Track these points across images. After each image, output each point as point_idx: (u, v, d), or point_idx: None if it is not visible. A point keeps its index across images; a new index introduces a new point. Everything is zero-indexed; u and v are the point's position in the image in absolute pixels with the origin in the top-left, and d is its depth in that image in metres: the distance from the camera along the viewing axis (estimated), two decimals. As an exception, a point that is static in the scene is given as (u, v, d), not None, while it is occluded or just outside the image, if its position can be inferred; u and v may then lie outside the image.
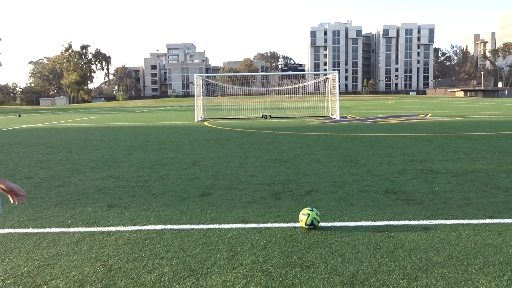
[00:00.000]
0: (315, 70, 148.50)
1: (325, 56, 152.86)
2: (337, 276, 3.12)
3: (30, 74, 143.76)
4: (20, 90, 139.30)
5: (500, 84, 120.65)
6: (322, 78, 32.70)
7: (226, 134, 14.67)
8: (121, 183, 6.61)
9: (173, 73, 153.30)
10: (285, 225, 4.35)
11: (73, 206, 5.24)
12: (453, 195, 5.42)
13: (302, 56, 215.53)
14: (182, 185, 6.35)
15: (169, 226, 4.38)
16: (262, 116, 24.67)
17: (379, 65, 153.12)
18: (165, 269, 3.30)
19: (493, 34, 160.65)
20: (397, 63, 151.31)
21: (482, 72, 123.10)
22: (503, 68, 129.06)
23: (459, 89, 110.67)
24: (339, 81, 25.83)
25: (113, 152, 10.26)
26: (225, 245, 3.81)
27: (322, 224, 4.32)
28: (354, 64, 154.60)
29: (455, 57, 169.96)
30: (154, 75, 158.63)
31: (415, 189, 5.82)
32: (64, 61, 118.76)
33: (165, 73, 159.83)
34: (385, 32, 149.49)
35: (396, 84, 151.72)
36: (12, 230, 4.34)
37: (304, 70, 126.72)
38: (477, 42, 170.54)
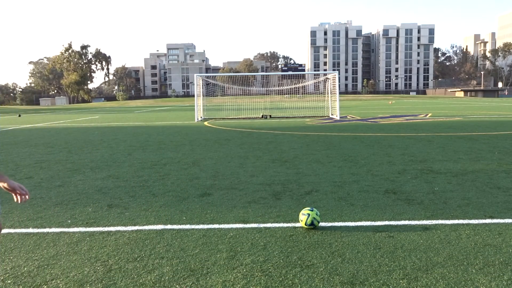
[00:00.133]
0: (315, 70, 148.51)
1: (325, 56, 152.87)
2: (337, 276, 3.12)
3: (30, 74, 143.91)
4: (20, 90, 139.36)
5: (500, 84, 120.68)
6: (322, 78, 32.70)
7: (226, 134, 14.67)
8: (121, 183, 6.61)
9: (173, 73, 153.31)
10: (285, 225, 4.35)
11: (73, 206, 5.24)
12: (453, 195, 5.42)
13: (302, 56, 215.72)
14: (182, 185, 6.35)
15: (169, 226, 4.38)
16: (262, 116, 24.67)
17: (379, 65, 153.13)
18: (165, 269, 3.30)
19: (493, 34, 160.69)
20: (397, 63, 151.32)
21: (482, 72, 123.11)
22: (503, 68, 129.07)
23: (459, 89, 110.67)
24: (339, 81, 25.83)
25: (113, 152, 10.26)
26: (225, 245, 3.81)
27: (322, 224, 4.32)
28: (354, 64, 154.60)
29: (455, 57, 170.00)
30: (154, 75, 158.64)
31: (415, 189, 5.82)
32: (64, 61, 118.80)
33: (165, 73, 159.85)
34: (385, 32, 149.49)
35: (396, 84, 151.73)
36: (12, 230, 4.34)
37: (304, 70, 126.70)
38: (477, 42, 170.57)
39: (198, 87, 25.35)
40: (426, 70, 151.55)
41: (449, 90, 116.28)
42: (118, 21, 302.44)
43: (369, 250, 3.61)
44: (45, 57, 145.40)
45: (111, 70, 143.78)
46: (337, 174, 6.95)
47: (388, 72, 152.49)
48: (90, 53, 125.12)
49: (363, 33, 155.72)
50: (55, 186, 6.48)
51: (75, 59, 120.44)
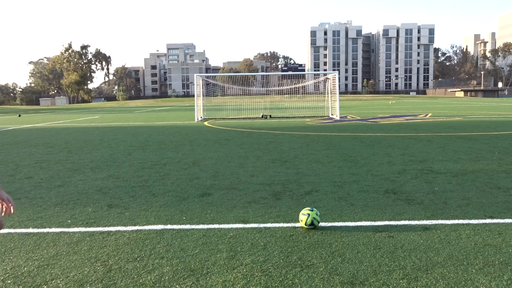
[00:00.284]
0: (315, 70, 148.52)
1: (325, 56, 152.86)
2: (337, 276, 3.12)
3: (30, 74, 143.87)
4: (20, 90, 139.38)
5: (500, 84, 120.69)
6: (322, 78, 32.70)
7: (226, 134, 14.67)
8: (121, 183, 6.61)
9: (173, 73, 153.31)
10: (285, 225, 4.35)
11: (73, 206, 5.24)
12: (453, 195, 5.42)
13: (302, 56, 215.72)
14: (182, 185, 6.35)
15: (169, 226, 4.38)
16: (262, 116, 24.67)
17: (379, 65, 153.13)
18: (165, 269, 3.30)
19: (493, 34, 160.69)
20: (397, 63, 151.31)
21: (482, 72, 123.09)
22: (503, 68, 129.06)
23: (459, 89, 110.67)
24: (339, 81, 25.83)
25: (113, 152, 10.26)
26: (225, 245, 3.81)
27: (322, 224, 4.32)
28: (354, 64, 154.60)
29: (455, 57, 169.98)
30: (154, 75, 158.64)
31: (415, 189, 5.82)
32: (64, 61, 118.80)
33: (165, 73, 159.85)
34: (385, 32, 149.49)
35: (396, 84, 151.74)
36: (12, 230, 4.34)
37: (304, 70, 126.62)
38: (477, 42, 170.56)
39: (198, 87, 25.35)
40: (426, 70, 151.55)
41: (449, 90, 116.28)
42: (118, 21, 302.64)
43: (369, 250, 3.61)
44: (45, 57, 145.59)
45: (111, 70, 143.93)
46: (337, 174, 6.95)
47: (388, 72, 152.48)
48: (90, 53, 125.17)
49: (363, 33, 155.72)
50: (55, 186, 6.48)
51: (75, 59, 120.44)
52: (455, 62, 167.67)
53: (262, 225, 4.35)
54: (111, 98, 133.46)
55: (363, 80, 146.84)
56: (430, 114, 24.84)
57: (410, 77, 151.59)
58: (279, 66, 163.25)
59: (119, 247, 3.80)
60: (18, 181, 6.92)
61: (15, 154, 10.30)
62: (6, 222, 4.60)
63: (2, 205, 2.20)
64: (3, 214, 2.18)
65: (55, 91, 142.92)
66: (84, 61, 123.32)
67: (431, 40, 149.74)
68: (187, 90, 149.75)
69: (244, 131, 15.49)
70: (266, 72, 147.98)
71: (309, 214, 4.17)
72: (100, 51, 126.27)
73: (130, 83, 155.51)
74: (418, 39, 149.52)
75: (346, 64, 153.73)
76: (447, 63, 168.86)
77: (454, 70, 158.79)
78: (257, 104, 38.01)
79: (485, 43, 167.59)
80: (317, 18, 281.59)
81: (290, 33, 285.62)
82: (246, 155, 9.32)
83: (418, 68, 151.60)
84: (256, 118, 24.06)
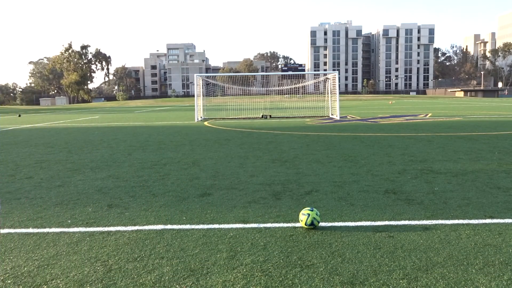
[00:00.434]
0: (315, 70, 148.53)
1: (325, 56, 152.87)
2: (337, 276, 3.12)
3: (30, 74, 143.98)
4: (20, 90, 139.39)
5: (500, 84, 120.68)
6: (322, 78, 32.70)
7: (226, 134, 14.67)
8: (121, 183, 6.61)
9: (173, 73, 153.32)
10: (285, 225, 4.35)
11: (73, 206, 5.24)
12: (453, 195, 5.42)
13: (302, 56, 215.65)
14: (182, 185, 6.35)
15: (169, 226, 4.38)
16: (262, 116, 24.67)
17: (379, 65, 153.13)
18: (165, 269, 3.30)
19: (493, 34, 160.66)
20: (397, 63, 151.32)
21: (482, 72, 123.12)
22: (503, 68, 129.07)
23: (459, 89, 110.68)
24: (339, 81, 25.83)
25: (113, 152, 10.27)
26: (225, 245, 3.81)
27: (322, 224, 4.32)
28: (354, 64, 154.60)
29: (455, 57, 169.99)
30: (154, 75, 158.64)
31: (415, 189, 5.82)
32: (64, 61, 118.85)
33: (165, 73, 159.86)
34: (385, 32, 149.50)
35: (396, 84, 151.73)
36: (12, 230, 4.34)
37: (304, 70, 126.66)
38: (477, 42, 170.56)
39: (198, 87, 25.35)
40: (426, 70, 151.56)
41: (449, 90, 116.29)
42: (118, 21, 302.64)
43: (369, 250, 3.61)
44: (45, 57, 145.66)
45: (111, 70, 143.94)
46: (337, 174, 6.95)
47: (388, 72, 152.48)
48: (90, 53, 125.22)
49: (363, 33, 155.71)
50: (55, 186, 6.48)
51: (75, 59, 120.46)
52: (455, 62, 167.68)
53: (262, 225, 4.35)
54: (111, 98, 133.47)
55: (363, 80, 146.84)
56: (430, 114, 24.84)
57: (410, 77, 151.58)
58: (279, 66, 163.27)
59: (119, 247, 3.80)
60: (18, 181, 6.92)
61: (15, 154, 10.30)
62: (6, 222, 4.60)
63: None
64: None
65: (55, 91, 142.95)
66: (84, 61, 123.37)
67: (431, 40, 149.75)
68: (187, 90, 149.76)
69: (244, 131, 15.49)
70: (266, 72, 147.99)
71: (309, 214, 4.17)
72: (100, 51, 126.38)
73: (130, 83, 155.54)
74: (418, 39, 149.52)
75: (346, 64, 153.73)
76: (447, 63, 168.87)
77: (454, 70, 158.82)
78: (257, 104, 38.01)
79: (485, 43, 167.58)
80: (317, 18, 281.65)
81: (290, 33, 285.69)
82: (246, 155, 9.32)
83: (418, 68, 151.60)
84: (256, 118, 24.07)
